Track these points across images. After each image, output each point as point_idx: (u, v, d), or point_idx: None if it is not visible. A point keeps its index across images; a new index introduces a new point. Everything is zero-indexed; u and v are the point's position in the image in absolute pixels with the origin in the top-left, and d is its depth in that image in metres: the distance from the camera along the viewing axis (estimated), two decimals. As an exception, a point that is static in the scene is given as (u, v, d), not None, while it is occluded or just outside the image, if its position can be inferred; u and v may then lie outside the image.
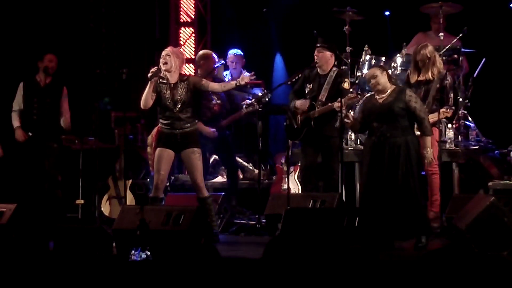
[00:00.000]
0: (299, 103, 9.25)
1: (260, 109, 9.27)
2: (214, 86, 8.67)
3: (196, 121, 8.62)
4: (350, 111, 8.49)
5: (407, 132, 7.94)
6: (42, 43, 11.07)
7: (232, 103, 10.03)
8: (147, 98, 8.38)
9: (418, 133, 8.16)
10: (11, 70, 10.98)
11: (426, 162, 8.18)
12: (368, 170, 8.01)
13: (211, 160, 10.68)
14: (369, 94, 8.37)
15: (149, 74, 8.36)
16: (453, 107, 9.40)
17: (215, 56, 10.01)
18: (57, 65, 9.86)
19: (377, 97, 8.06)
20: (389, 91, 8.02)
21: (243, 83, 8.59)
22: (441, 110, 8.87)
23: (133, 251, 6.93)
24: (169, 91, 8.42)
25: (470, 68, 10.65)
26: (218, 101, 9.67)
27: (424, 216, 8.04)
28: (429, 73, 8.97)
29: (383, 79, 8.01)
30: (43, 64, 9.80)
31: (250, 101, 9.56)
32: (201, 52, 10.30)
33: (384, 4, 11.50)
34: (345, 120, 8.25)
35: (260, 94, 9.34)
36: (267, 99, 9.13)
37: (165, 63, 8.43)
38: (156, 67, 8.48)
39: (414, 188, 7.87)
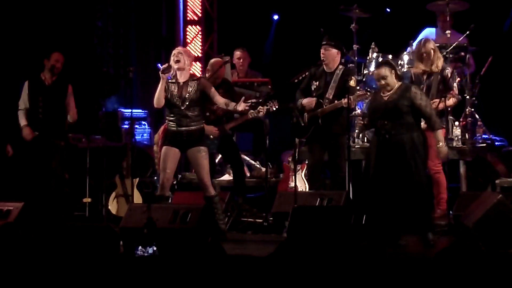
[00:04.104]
0: (305, 101, 9.26)
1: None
2: (219, 100, 8.47)
3: (203, 121, 8.59)
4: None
5: (413, 129, 7.91)
6: (49, 41, 11.07)
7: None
8: (159, 96, 8.35)
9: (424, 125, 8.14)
10: (18, 68, 10.98)
11: (441, 157, 8.14)
12: (374, 168, 8.01)
13: (217, 159, 10.66)
14: (374, 92, 8.36)
15: (160, 71, 8.35)
16: (459, 96, 9.36)
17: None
18: (63, 64, 9.84)
19: (382, 94, 8.05)
20: (395, 88, 8.00)
21: (239, 109, 8.49)
22: (435, 100, 8.82)
23: (140, 247, 6.95)
24: (177, 89, 8.40)
25: (476, 66, 10.63)
26: None
27: (428, 213, 8.04)
28: (434, 66, 8.99)
29: (391, 79, 7.99)
30: (50, 62, 9.75)
31: (255, 101, 9.40)
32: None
33: (391, 2, 11.48)
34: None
35: (266, 92, 9.21)
36: (274, 109, 8.86)
37: (178, 61, 8.38)
38: (167, 63, 8.46)
39: (420, 185, 7.86)
